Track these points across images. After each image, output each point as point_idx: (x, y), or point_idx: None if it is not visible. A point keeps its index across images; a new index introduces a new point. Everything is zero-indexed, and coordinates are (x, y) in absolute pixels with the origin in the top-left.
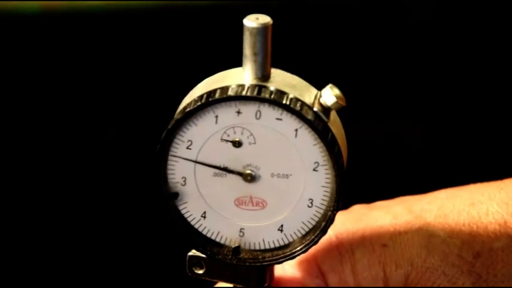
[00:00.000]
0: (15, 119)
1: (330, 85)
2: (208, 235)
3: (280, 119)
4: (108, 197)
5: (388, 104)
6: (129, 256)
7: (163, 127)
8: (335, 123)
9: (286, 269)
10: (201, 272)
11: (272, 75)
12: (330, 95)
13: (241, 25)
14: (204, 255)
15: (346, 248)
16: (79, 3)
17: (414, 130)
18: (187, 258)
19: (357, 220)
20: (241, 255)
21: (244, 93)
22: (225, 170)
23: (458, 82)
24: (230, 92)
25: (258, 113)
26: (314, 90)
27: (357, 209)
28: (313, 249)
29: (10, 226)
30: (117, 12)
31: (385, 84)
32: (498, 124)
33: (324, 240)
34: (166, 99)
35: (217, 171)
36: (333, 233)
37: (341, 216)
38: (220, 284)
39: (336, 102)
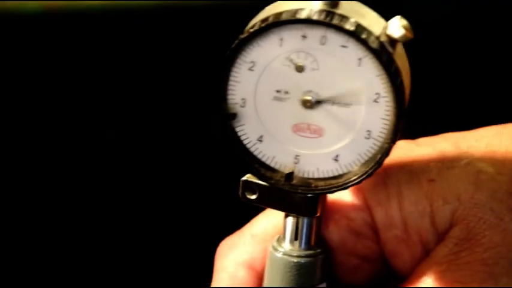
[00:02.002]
0: (15, 119)
1: (398, 16)
2: (263, 159)
3: (345, 46)
4: (108, 197)
5: None
6: (129, 256)
7: (164, 128)
8: (401, 56)
9: (332, 201)
10: (253, 197)
11: (342, 3)
12: (398, 26)
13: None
14: (257, 180)
15: (393, 183)
16: (79, 3)
17: (414, 130)
18: (240, 182)
19: (403, 155)
20: (294, 181)
21: (311, 16)
22: (286, 94)
23: (458, 83)
24: (297, 15)
25: (324, 38)
26: (383, 21)
27: (403, 145)
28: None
29: (10, 226)
30: (117, 12)
31: None
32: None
33: None
34: (166, 100)
35: (277, 95)
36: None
37: None
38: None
39: (404, 34)
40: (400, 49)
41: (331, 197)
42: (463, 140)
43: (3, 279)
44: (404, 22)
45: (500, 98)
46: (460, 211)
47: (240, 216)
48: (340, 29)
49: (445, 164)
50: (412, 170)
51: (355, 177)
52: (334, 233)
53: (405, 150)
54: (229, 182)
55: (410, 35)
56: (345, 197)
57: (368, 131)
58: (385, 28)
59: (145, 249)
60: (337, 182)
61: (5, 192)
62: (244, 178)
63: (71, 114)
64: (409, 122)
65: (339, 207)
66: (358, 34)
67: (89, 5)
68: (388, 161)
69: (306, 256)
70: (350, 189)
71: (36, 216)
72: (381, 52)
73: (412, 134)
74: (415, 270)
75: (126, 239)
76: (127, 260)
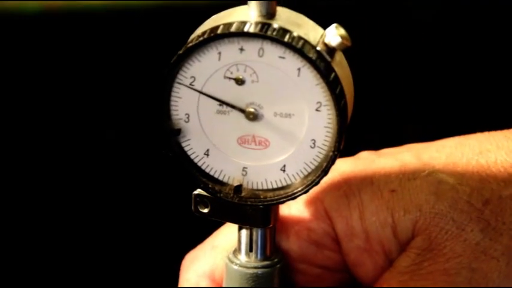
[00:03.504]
0: (15, 119)
1: (335, 24)
2: (211, 173)
3: (283, 57)
4: (108, 197)
5: (388, 105)
6: (129, 256)
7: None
8: (340, 64)
9: (292, 212)
10: (205, 211)
11: (278, 13)
12: (334, 34)
13: None
14: (207, 194)
15: (354, 193)
16: (79, 3)
17: (414, 130)
18: (192, 196)
19: (365, 166)
20: (243, 194)
21: (246, 29)
22: (228, 105)
23: (458, 83)
24: (233, 28)
25: (261, 50)
26: (320, 30)
27: (365, 156)
28: (321, 194)
29: (10, 226)
30: (117, 12)
31: (385, 85)
32: (499, 125)
33: (331, 185)
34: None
35: (220, 108)
36: (341, 178)
37: (349, 162)
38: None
39: (341, 42)
40: (339, 57)
41: (291, 208)
42: (425, 151)
43: (3, 279)
44: (341, 30)
45: (501, 98)
46: (421, 221)
47: None
48: (276, 41)
49: (406, 175)
50: (373, 181)
51: (302, 187)
52: (295, 243)
53: (367, 161)
54: None
55: (347, 43)
56: (305, 208)
57: (312, 140)
58: (323, 37)
59: (144, 249)
60: (286, 192)
61: (5, 192)
62: (196, 192)
63: (71, 114)
64: (410, 122)
65: (299, 218)
66: (294, 45)
67: (89, 5)
68: (349, 171)
69: (262, 267)
70: (310, 200)
71: (36, 215)
72: (318, 61)
73: (413, 134)
74: (378, 280)
75: (125, 238)
76: (126, 259)
